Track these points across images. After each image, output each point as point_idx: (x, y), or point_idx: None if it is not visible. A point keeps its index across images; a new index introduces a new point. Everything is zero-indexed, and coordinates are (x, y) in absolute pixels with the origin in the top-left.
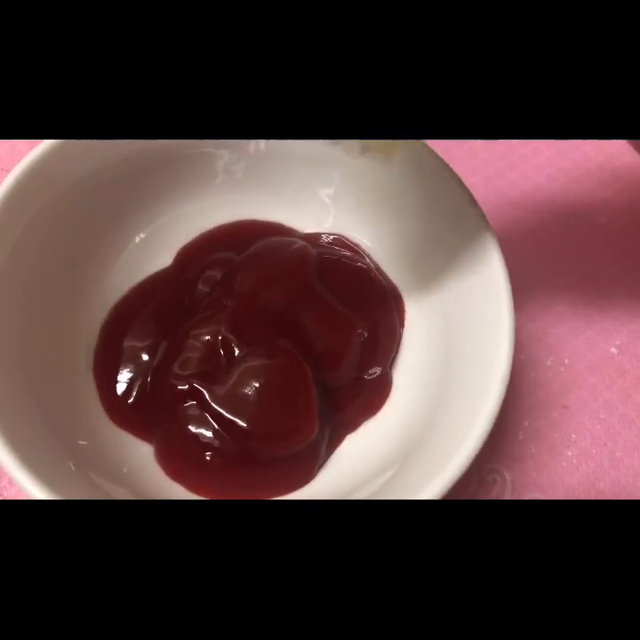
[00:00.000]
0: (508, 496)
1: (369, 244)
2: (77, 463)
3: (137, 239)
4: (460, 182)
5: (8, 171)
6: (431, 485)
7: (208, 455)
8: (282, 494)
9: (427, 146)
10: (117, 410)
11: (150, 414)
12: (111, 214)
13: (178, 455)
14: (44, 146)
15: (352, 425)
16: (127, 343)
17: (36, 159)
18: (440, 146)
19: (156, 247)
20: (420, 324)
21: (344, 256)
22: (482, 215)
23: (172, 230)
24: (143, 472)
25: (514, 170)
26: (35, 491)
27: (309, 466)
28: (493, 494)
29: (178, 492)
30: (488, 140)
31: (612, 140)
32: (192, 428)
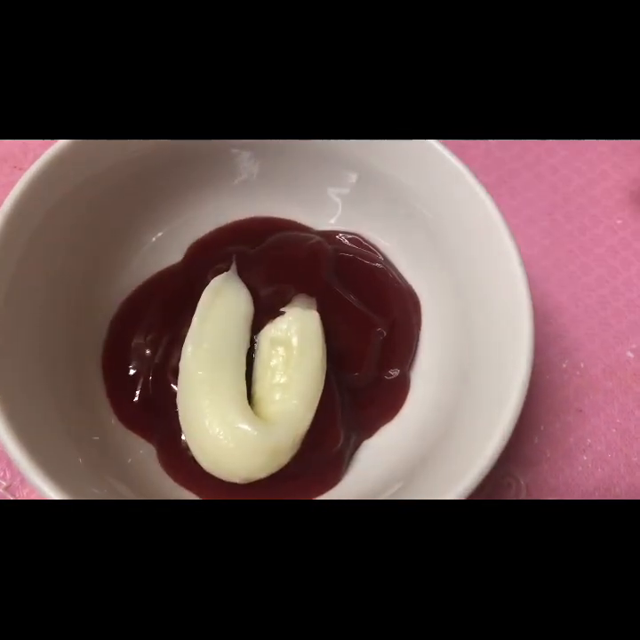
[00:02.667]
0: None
1: (385, 244)
2: (86, 459)
3: (153, 239)
4: (475, 182)
5: (21, 168)
6: (450, 492)
7: None
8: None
9: (442, 153)
10: (123, 408)
11: (153, 413)
12: (127, 214)
13: (179, 460)
14: (59, 144)
15: (371, 429)
16: (134, 340)
17: (50, 158)
18: (455, 145)
19: (171, 246)
20: (437, 325)
21: (361, 254)
22: (498, 215)
23: (187, 231)
24: (150, 472)
25: (529, 170)
26: (45, 487)
27: (333, 475)
28: (508, 498)
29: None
30: (503, 140)
31: (627, 141)
32: None
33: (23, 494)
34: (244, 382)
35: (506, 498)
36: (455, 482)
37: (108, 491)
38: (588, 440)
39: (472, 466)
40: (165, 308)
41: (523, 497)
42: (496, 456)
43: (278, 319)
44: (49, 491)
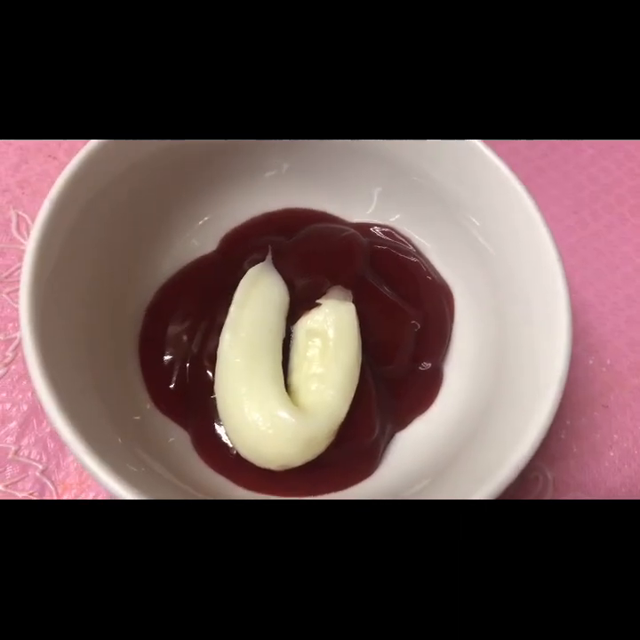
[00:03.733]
0: (549, 495)
1: (419, 237)
2: (125, 438)
3: (191, 228)
4: (511, 179)
5: (55, 157)
6: (481, 490)
7: None
8: (331, 494)
9: (479, 146)
10: (159, 394)
11: (189, 399)
12: (163, 206)
13: (214, 446)
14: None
15: (404, 422)
16: (171, 327)
17: (92, 151)
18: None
19: (207, 236)
20: (471, 320)
21: (395, 247)
22: (535, 210)
23: (221, 222)
24: (187, 454)
25: (556, 168)
26: (87, 460)
27: (367, 467)
28: (535, 493)
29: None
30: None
31: None
32: None
33: (59, 478)
34: (281, 371)
35: (533, 492)
36: (486, 479)
37: (145, 469)
38: (615, 436)
39: (503, 464)
40: (201, 296)
41: (549, 491)
42: (530, 455)
43: (314, 310)
44: (91, 464)
